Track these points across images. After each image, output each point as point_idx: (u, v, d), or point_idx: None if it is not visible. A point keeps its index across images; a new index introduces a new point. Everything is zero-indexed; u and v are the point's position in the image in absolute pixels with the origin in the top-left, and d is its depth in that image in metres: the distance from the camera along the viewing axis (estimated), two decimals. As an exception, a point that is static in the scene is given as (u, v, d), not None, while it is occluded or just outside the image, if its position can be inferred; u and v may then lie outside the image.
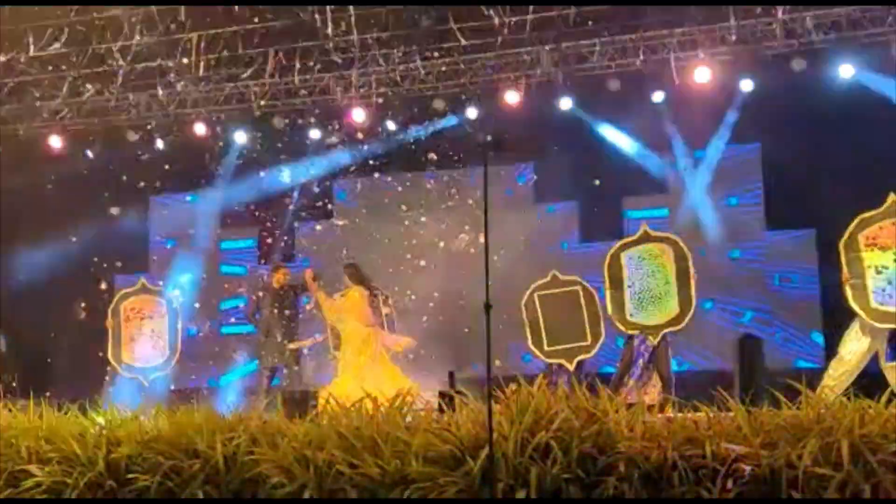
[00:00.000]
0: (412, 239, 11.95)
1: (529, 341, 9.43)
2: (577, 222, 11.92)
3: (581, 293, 9.29)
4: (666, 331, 8.64)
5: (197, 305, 12.06)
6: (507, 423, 4.87)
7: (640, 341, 8.67)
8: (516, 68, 10.82)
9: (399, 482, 4.90)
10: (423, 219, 12.03)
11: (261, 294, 10.60)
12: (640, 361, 8.61)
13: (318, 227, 12.78)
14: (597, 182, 11.36)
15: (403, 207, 12.13)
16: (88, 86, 11.19)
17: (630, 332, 8.72)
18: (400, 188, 12.41)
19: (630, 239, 9.06)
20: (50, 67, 10.88)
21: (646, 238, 8.88)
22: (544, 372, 7.68)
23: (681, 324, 8.65)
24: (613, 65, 10.61)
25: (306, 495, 5.07)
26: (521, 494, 4.63)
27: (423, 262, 11.79)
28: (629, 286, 8.75)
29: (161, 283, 10.37)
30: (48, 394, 9.15)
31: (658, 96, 10.87)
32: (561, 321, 9.28)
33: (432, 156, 11.67)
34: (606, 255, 9.00)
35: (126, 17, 10.37)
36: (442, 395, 6.91)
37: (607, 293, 8.83)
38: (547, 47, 10.47)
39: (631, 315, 8.70)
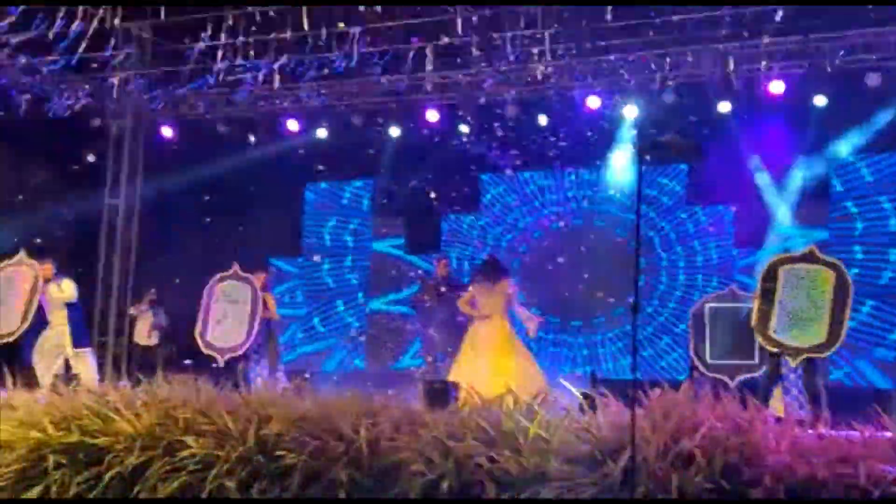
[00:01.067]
0: (553, 234, 11.96)
1: (692, 350, 9.17)
2: (730, 228, 11.61)
3: None
4: (807, 356, 8.18)
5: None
6: (649, 427, 4.82)
7: None
8: (674, 67, 10.61)
9: (537, 479, 4.92)
10: (560, 213, 12.04)
11: (428, 281, 11.16)
12: (792, 377, 8.22)
13: (464, 220, 12.93)
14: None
15: (540, 202, 12.16)
16: (248, 75, 11.57)
17: (770, 348, 8.29)
18: (544, 183, 12.43)
19: (793, 255, 8.57)
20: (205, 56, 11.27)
21: (810, 258, 8.37)
22: (690, 378, 7.51)
23: (825, 352, 8.20)
24: (777, 67, 10.30)
25: (444, 486, 5.15)
26: (661, 501, 4.57)
27: (561, 259, 11.77)
28: (779, 301, 8.27)
29: (249, 274, 10.51)
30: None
31: (820, 100, 10.46)
32: (730, 336, 8.99)
33: (576, 152, 11.64)
34: (765, 265, 8.59)
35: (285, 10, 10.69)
36: (584, 395, 6.88)
37: (755, 303, 8.42)
38: (707, 47, 10.22)
39: (774, 332, 8.25)
